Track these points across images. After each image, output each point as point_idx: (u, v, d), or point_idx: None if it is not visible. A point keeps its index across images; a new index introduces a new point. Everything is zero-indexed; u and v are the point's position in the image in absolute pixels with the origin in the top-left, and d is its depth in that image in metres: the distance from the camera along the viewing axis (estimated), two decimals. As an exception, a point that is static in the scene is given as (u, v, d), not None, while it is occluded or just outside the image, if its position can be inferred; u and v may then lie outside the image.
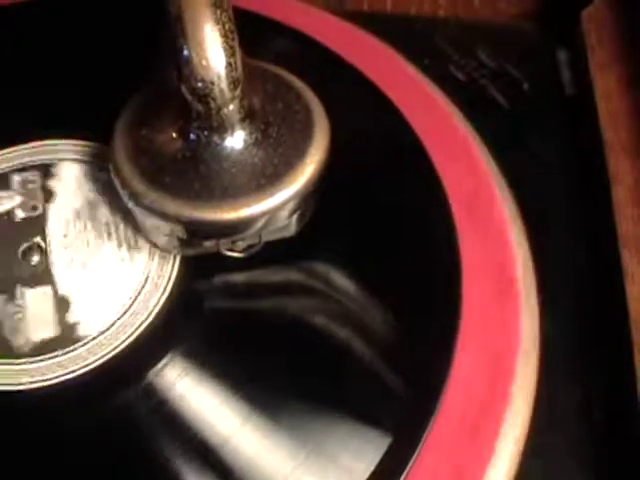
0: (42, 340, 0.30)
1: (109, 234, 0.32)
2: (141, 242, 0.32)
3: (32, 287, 0.31)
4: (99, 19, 0.38)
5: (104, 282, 0.31)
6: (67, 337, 0.30)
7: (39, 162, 0.34)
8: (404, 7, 0.47)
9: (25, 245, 0.32)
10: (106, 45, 0.37)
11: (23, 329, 0.30)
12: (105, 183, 0.32)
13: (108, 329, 0.30)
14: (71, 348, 0.30)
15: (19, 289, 0.31)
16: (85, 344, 0.30)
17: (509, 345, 0.30)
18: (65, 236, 0.32)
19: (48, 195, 0.33)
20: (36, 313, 0.30)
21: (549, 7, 0.46)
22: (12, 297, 0.31)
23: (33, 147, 0.35)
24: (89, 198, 0.33)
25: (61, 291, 0.31)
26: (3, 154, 0.34)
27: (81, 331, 0.30)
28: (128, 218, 0.31)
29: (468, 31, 0.43)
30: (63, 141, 0.35)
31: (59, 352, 0.30)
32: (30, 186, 0.33)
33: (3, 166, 0.34)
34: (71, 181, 0.33)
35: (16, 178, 0.34)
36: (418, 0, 0.47)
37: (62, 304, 0.31)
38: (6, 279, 0.31)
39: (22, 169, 0.34)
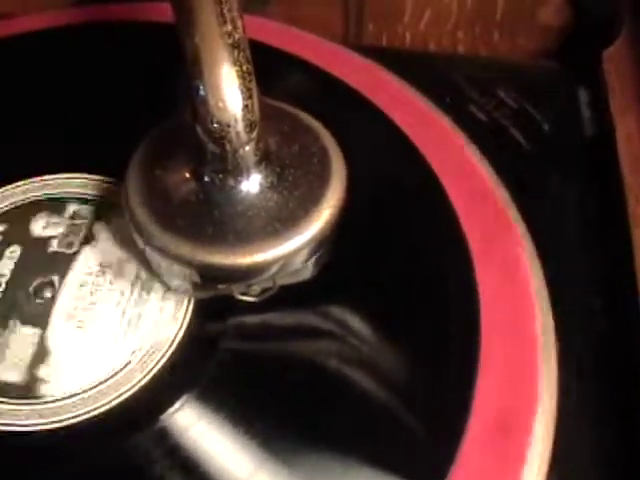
0: (5, 381, 0.29)
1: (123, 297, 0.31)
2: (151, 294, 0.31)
3: (24, 324, 0.30)
4: (115, 56, 0.38)
5: (95, 347, 0.30)
6: (29, 388, 0.29)
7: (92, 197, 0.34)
8: (422, 42, 0.47)
9: (40, 280, 0.31)
10: (123, 82, 0.37)
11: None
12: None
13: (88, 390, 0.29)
14: (28, 401, 0.29)
15: (13, 321, 0.30)
16: (45, 402, 0.28)
17: (526, 397, 0.29)
18: (81, 286, 0.31)
19: (90, 236, 0.32)
20: (14, 351, 0.29)
21: (569, 46, 0.45)
22: (4, 327, 0.30)
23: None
24: (122, 254, 0.32)
25: (47, 341, 0.30)
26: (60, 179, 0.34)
27: (43, 390, 0.29)
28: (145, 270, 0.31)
29: (488, 70, 0.42)
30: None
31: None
32: (78, 221, 0.33)
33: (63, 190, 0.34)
34: (115, 230, 0.33)
35: (71, 207, 0.33)
36: (437, 35, 0.47)
37: (41, 354, 0.29)
38: (8, 307, 0.30)
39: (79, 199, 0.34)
